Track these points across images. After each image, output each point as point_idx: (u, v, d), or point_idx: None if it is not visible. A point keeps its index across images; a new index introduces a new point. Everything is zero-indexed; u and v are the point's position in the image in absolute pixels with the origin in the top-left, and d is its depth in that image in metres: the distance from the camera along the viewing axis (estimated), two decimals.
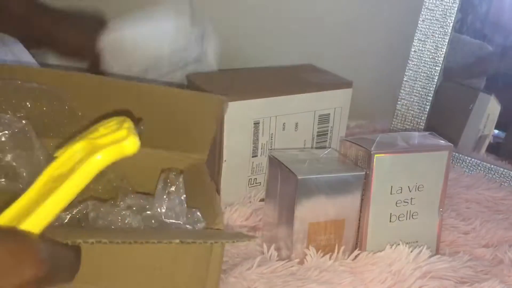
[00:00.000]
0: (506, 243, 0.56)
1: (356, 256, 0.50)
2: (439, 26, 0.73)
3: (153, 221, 0.40)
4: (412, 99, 0.76)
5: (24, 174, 0.41)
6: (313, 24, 0.79)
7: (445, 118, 0.77)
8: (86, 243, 0.29)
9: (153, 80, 0.64)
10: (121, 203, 0.41)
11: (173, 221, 0.40)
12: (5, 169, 0.41)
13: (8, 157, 0.40)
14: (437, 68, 0.74)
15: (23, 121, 0.41)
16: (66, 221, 0.39)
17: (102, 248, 0.31)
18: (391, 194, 0.50)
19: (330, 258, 0.49)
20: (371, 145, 0.49)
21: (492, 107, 0.75)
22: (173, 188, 0.42)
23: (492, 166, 0.71)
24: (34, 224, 0.29)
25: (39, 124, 0.43)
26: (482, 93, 0.76)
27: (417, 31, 0.74)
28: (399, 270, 0.48)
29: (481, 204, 0.65)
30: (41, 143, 0.42)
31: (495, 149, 0.74)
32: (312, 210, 0.48)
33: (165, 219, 0.40)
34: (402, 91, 0.77)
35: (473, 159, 0.72)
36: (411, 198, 0.50)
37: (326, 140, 0.63)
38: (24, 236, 0.28)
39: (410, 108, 0.76)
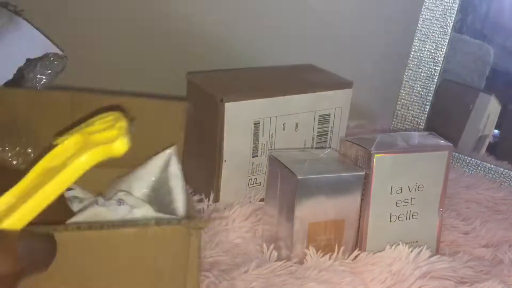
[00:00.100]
0: (506, 243, 0.56)
1: (356, 256, 0.50)
2: (439, 26, 0.73)
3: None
4: (412, 99, 0.76)
5: None
6: (313, 24, 0.79)
7: (445, 118, 0.77)
8: (57, 232, 0.31)
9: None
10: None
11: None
12: None
13: None
14: (437, 68, 0.74)
15: None
16: None
17: (81, 239, 0.33)
18: (391, 194, 0.50)
19: (330, 258, 0.49)
20: (371, 145, 0.49)
21: (492, 107, 0.75)
22: None
23: (492, 166, 0.71)
24: (17, 220, 0.30)
25: None
26: (482, 93, 0.76)
27: (417, 31, 0.74)
28: (399, 270, 0.48)
29: (481, 204, 0.65)
30: None
31: (495, 149, 0.74)
32: (312, 210, 0.48)
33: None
34: (402, 91, 0.77)
35: (473, 159, 0.72)
36: (411, 198, 0.50)
37: (326, 140, 0.63)
38: (1, 234, 0.30)
39: (410, 108, 0.76)
